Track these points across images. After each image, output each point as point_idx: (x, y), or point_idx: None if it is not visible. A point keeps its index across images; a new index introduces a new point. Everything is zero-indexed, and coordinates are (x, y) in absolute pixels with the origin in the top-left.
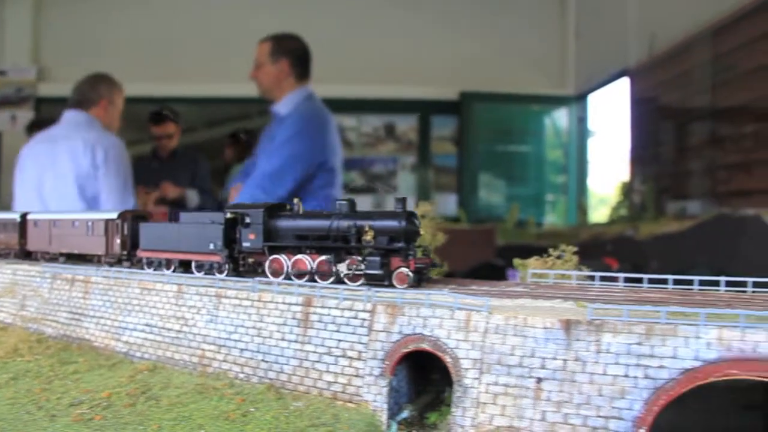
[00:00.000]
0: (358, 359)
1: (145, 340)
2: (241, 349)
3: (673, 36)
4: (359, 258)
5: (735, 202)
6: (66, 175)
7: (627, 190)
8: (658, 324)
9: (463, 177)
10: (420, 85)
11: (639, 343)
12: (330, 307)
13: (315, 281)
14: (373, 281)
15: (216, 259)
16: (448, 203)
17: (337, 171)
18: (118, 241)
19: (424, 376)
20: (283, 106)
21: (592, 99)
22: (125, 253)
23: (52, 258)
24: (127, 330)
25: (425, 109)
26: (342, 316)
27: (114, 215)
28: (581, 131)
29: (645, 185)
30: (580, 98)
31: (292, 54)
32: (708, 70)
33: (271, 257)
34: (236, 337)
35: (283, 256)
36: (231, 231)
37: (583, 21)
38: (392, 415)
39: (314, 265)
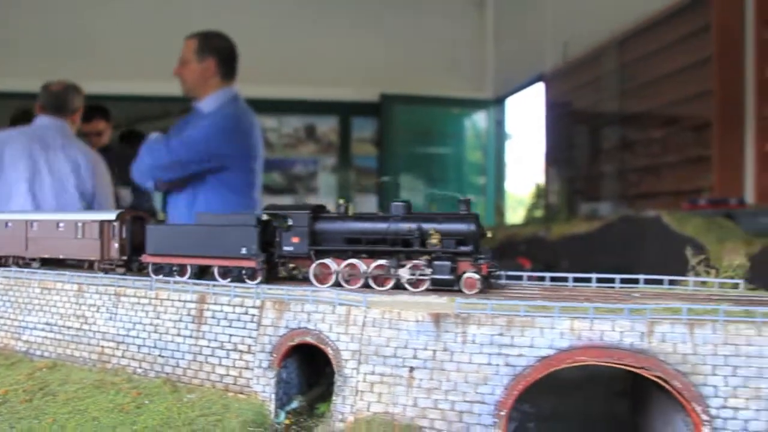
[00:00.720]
0: (248, 352)
1: (45, 338)
2: (139, 346)
3: (585, 44)
4: (422, 262)
5: (643, 204)
6: (66, 182)
7: (542, 191)
8: (518, 317)
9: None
10: (341, 87)
11: (501, 334)
12: (222, 304)
13: (369, 287)
14: (440, 287)
15: (249, 264)
16: (369, 204)
17: (257, 173)
18: (116, 245)
19: (318, 370)
20: (207, 104)
21: (510, 102)
22: (125, 258)
23: (26, 264)
24: (27, 329)
25: (346, 111)
26: (233, 312)
27: (112, 216)
28: (499, 134)
29: (559, 187)
30: (498, 102)
31: (219, 52)
32: (616, 78)
33: (317, 262)
34: (134, 333)
35: (330, 260)
36: (265, 234)
37: (501, 26)
38: (281, 405)
39: (369, 270)
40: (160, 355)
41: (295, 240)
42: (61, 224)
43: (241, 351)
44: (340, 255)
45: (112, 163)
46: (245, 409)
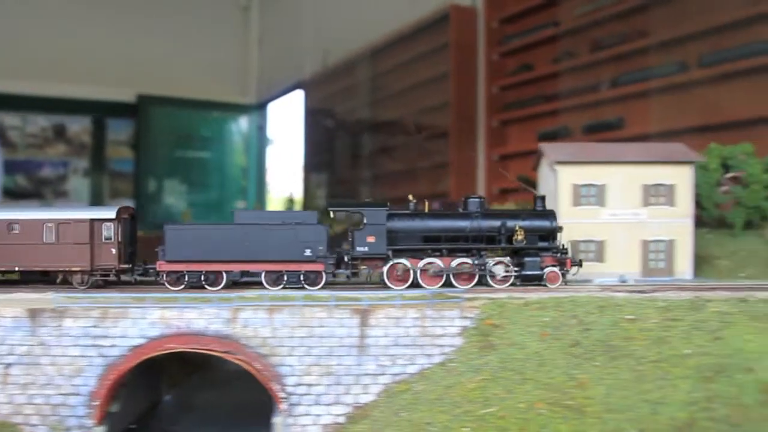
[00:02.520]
0: None
1: None
2: None
3: (342, 53)
4: (507, 259)
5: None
6: None
7: (303, 195)
8: (112, 308)
9: (141, 183)
10: (95, 85)
11: (95, 326)
12: None
13: (452, 286)
14: (529, 281)
15: (315, 267)
16: None
17: None
18: (113, 250)
19: None
20: None
21: (272, 108)
22: (127, 266)
23: None
24: None
25: (100, 111)
26: None
27: (110, 213)
28: (261, 139)
29: (319, 190)
30: (261, 107)
31: None
32: (370, 87)
33: (393, 262)
34: None
35: (405, 260)
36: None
37: (265, 32)
38: None
39: (453, 268)
40: None
41: (371, 239)
42: (17, 226)
43: None
44: (416, 254)
45: None
46: None
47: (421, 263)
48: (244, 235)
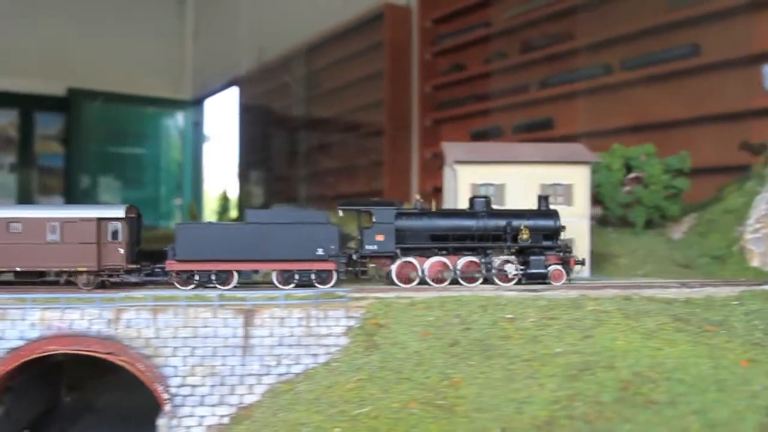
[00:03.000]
0: None
1: None
2: None
3: (278, 50)
4: (513, 258)
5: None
6: None
7: (239, 192)
8: None
9: (72, 179)
10: (22, 77)
11: None
12: None
13: (459, 284)
14: (534, 280)
15: (327, 266)
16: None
17: None
18: (122, 250)
19: None
20: None
21: (208, 104)
22: (135, 266)
23: None
24: None
25: (28, 104)
26: None
27: (119, 212)
28: (197, 135)
29: (255, 188)
30: (197, 103)
31: None
32: (305, 84)
33: (401, 260)
34: None
35: (413, 259)
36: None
37: (201, 28)
38: None
39: (459, 267)
40: None
41: (380, 238)
42: (20, 225)
43: None
44: (423, 253)
45: None
46: None
47: (427, 262)
48: (257, 234)
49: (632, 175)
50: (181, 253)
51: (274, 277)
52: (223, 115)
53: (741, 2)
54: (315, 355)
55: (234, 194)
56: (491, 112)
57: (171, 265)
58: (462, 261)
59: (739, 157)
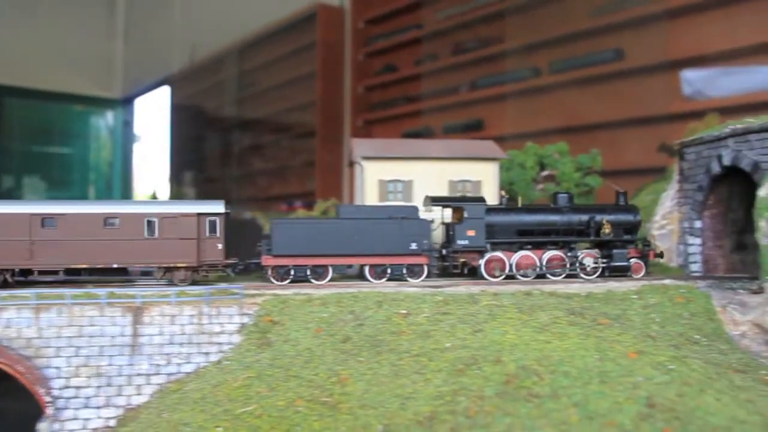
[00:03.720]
0: None
1: None
2: None
3: (210, 49)
4: (596, 252)
5: (274, 206)
6: None
7: (170, 193)
8: None
9: None
10: None
11: None
12: None
13: (544, 278)
14: (617, 273)
15: (419, 260)
16: None
17: None
18: (220, 245)
19: None
20: None
21: (139, 103)
22: (233, 261)
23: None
24: None
25: None
26: None
27: (218, 207)
28: (127, 135)
29: (187, 189)
30: (127, 102)
31: None
32: (237, 84)
33: (489, 255)
34: None
35: (500, 253)
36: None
37: (131, 25)
38: None
39: (544, 261)
40: None
41: (471, 233)
42: (110, 220)
43: None
44: (509, 247)
45: None
46: None
47: (515, 256)
48: (351, 230)
49: (545, 172)
50: (276, 249)
51: (366, 272)
52: (154, 115)
53: (660, 10)
54: (207, 353)
55: (165, 195)
56: (423, 113)
57: (267, 260)
58: (547, 255)
59: (659, 158)
